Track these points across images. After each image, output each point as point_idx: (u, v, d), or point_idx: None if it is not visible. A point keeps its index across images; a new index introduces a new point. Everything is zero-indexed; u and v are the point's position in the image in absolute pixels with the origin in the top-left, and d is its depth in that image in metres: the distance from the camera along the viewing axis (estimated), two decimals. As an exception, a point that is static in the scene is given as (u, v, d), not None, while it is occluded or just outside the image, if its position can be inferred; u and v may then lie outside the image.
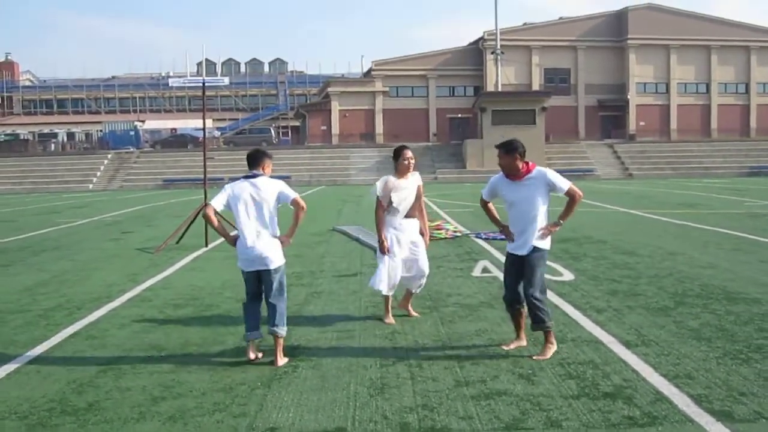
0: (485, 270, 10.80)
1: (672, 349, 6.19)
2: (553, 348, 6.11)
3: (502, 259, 11.76)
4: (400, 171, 7.44)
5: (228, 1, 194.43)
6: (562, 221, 6.20)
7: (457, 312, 7.88)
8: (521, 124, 54.35)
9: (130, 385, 5.48)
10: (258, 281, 6.23)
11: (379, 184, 7.43)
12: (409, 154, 7.46)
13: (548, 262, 6.90)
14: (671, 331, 6.83)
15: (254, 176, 6.18)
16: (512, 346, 6.32)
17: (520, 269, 6.20)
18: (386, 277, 7.37)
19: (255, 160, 6.26)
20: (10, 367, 6.05)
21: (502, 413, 4.73)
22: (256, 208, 6.11)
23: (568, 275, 10.05)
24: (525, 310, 6.27)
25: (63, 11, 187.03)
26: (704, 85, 70.64)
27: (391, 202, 7.36)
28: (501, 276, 10.11)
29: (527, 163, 6.17)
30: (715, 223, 17.01)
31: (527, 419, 4.62)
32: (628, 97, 68.69)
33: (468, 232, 15.98)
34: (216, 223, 6.17)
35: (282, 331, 6.17)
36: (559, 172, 6.47)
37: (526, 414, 4.71)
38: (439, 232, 15.12)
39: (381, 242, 7.39)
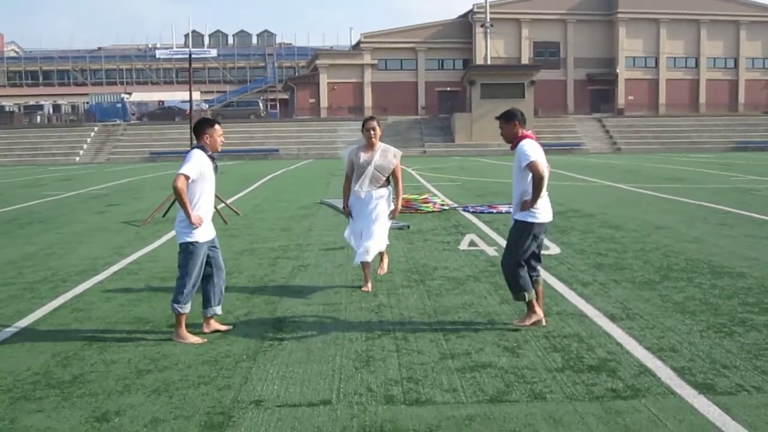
0: (472, 243, 10.80)
1: (656, 322, 6.22)
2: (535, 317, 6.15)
3: (489, 232, 11.89)
4: (366, 141, 7.63)
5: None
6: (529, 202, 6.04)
7: (444, 285, 7.88)
8: (510, 97, 54.12)
9: (115, 358, 5.46)
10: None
11: (345, 156, 7.79)
12: (372, 124, 7.57)
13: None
14: (656, 304, 6.86)
15: (204, 149, 5.96)
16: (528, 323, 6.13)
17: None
18: (352, 243, 7.84)
19: (199, 131, 6.00)
20: (-6, 340, 6.03)
21: (487, 385, 4.74)
22: (213, 183, 6.11)
23: (554, 249, 10.06)
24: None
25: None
26: (693, 59, 70.56)
27: (354, 172, 7.64)
28: (488, 249, 10.18)
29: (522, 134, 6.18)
30: (701, 197, 17.07)
31: (511, 392, 4.63)
32: (617, 71, 68.57)
33: (455, 205, 15.97)
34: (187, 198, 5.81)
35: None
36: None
37: (510, 386, 4.72)
38: (426, 205, 15.12)
39: (344, 209, 7.87)
